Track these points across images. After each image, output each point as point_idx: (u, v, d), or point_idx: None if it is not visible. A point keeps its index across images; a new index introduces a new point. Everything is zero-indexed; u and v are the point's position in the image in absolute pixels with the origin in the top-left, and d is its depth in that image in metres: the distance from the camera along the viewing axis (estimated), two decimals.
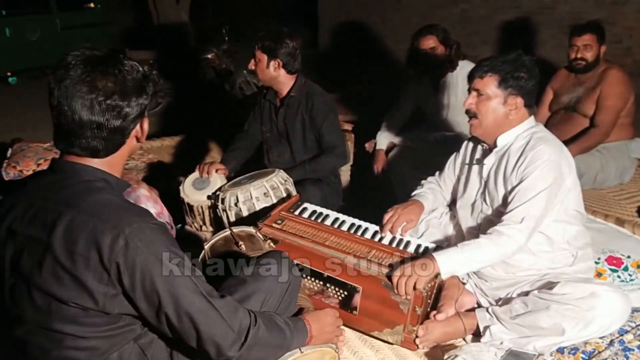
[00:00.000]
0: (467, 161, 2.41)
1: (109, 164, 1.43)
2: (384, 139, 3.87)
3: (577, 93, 3.53)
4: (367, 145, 3.99)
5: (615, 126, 3.43)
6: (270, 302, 1.68)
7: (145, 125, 1.47)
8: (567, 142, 3.43)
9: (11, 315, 1.39)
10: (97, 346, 1.38)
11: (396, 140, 3.88)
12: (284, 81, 3.02)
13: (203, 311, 1.37)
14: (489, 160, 2.26)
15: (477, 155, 2.35)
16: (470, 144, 2.43)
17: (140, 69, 1.41)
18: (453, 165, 2.51)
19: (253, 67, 3.01)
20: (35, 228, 1.34)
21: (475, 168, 2.33)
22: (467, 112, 2.23)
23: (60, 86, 1.33)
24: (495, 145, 2.23)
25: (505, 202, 2.17)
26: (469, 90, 2.23)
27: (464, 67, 3.48)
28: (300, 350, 1.66)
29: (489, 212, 2.27)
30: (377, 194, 3.72)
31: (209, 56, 6.91)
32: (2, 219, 1.40)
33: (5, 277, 1.39)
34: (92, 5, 8.41)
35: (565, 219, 2.17)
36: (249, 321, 1.46)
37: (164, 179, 3.52)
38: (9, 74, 7.65)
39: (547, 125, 3.68)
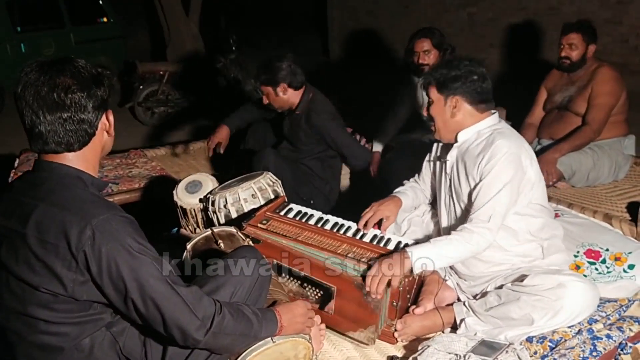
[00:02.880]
0: (436, 159, 2.51)
1: (84, 160, 1.54)
2: (380, 142, 3.95)
3: (569, 92, 3.56)
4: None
5: (608, 123, 3.44)
6: (240, 293, 1.76)
7: (111, 118, 1.59)
8: (559, 141, 3.50)
9: None
10: (68, 332, 1.49)
11: (392, 142, 3.95)
12: (294, 99, 3.29)
13: (167, 297, 1.47)
14: (451, 156, 2.33)
15: (442, 152, 2.45)
16: (440, 143, 2.51)
17: (92, 66, 1.53)
18: (428, 164, 2.60)
19: (266, 103, 3.31)
20: (14, 220, 1.46)
21: (440, 165, 2.42)
22: (428, 119, 2.37)
23: (25, 92, 1.45)
24: (456, 141, 2.31)
25: (469, 198, 2.24)
26: None
27: None
28: (272, 340, 1.73)
29: (456, 207, 2.34)
30: (375, 196, 3.78)
31: (218, 66, 7.05)
32: None
33: None
34: (105, 19, 8.60)
35: (529, 213, 2.22)
36: (214, 309, 1.54)
37: (167, 187, 3.62)
38: None
39: (541, 124, 3.73)
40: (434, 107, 2.30)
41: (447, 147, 2.41)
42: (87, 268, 1.41)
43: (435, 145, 2.54)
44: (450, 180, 2.36)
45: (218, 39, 8.96)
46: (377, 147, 3.94)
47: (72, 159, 1.53)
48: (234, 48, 7.01)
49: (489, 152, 2.15)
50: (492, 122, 2.26)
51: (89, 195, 1.50)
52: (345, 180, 4.17)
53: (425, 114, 2.37)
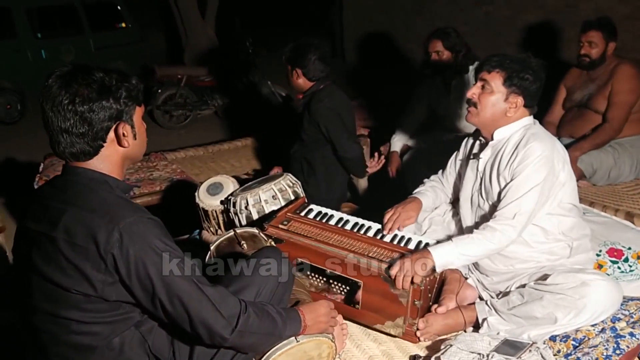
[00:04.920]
0: (466, 157, 2.49)
1: (105, 166, 1.57)
2: (398, 142, 3.96)
3: (589, 90, 3.54)
4: (382, 148, 4.07)
5: (629, 121, 3.43)
6: (264, 293, 1.79)
7: (122, 130, 1.55)
8: (579, 139, 3.48)
9: (26, 306, 1.56)
10: (100, 331, 1.52)
11: (410, 142, 3.96)
12: (305, 86, 3.34)
13: (193, 296, 1.50)
14: (485, 154, 2.32)
15: (475, 150, 2.43)
16: (470, 141, 2.51)
17: (114, 76, 1.52)
18: (454, 162, 2.59)
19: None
20: (44, 224, 1.50)
21: (472, 163, 2.40)
22: (468, 101, 2.29)
23: (42, 101, 1.50)
24: (491, 139, 2.29)
25: (498, 197, 2.24)
26: (476, 80, 2.29)
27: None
28: (296, 339, 1.76)
29: (485, 206, 2.34)
30: (393, 196, 3.79)
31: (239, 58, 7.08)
32: (22, 219, 1.58)
33: (21, 270, 1.57)
34: (123, 24, 8.68)
35: (560, 212, 2.22)
36: (239, 308, 1.57)
37: (187, 189, 3.66)
38: None
39: (561, 122, 3.71)
40: (489, 95, 2.21)
41: (479, 145, 2.41)
42: (116, 270, 1.45)
43: (464, 143, 2.54)
44: (481, 178, 2.35)
45: (233, 41, 9.02)
46: (395, 147, 3.95)
47: (95, 164, 1.56)
48: (250, 51, 7.03)
49: (522, 153, 2.15)
50: (527, 121, 2.26)
51: (115, 198, 1.53)
52: (363, 180, 4.19)
53: (469, 95, 2.26)
